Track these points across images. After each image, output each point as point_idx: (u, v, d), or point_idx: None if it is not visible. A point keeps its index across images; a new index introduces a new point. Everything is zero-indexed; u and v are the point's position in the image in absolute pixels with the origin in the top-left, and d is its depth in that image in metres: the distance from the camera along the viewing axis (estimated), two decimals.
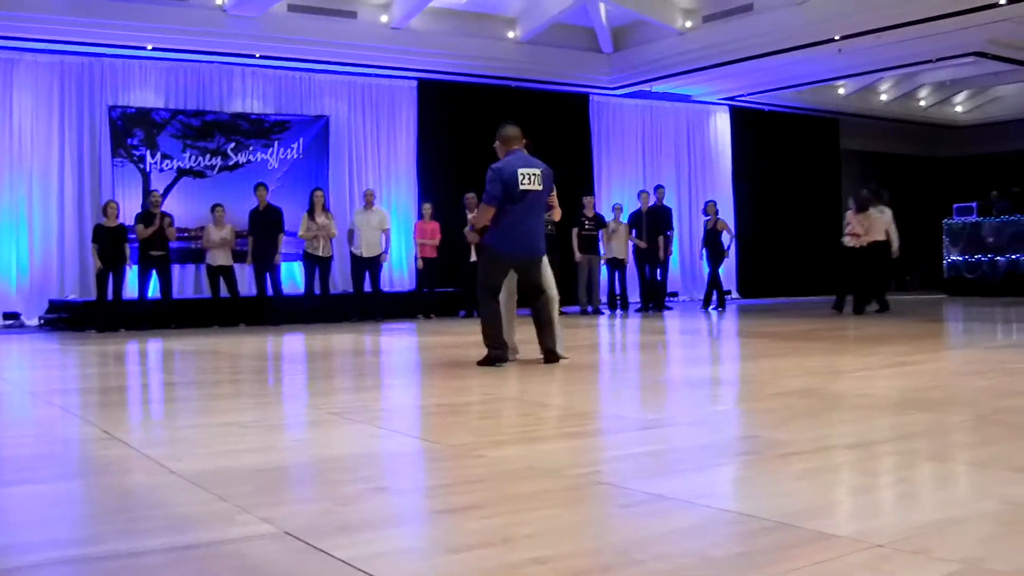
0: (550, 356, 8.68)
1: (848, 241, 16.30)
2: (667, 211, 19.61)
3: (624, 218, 19.49)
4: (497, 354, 8.48)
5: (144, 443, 5.07)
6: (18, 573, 2.85)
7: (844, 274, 16.52)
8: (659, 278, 19.40)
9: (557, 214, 9.59)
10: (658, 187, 19.96)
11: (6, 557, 3.02)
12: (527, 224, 8.52)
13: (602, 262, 19.18)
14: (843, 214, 19.13)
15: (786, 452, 4.31)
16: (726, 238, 19.54)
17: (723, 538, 3.05)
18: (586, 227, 18.78)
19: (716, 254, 19.42)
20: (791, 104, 24.58)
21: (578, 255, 18.65)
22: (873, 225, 16.26)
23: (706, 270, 19.92)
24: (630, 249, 19.44)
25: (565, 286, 18.40)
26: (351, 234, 17.37)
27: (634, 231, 19.31)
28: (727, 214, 21.21)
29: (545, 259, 8.81)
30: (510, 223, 8.43)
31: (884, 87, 25.77)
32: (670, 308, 19.59)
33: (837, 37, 17.75)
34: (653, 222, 19.09)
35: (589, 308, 18.71)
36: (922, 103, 27.13)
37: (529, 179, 8.42)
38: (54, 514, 3.67)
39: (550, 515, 3.35)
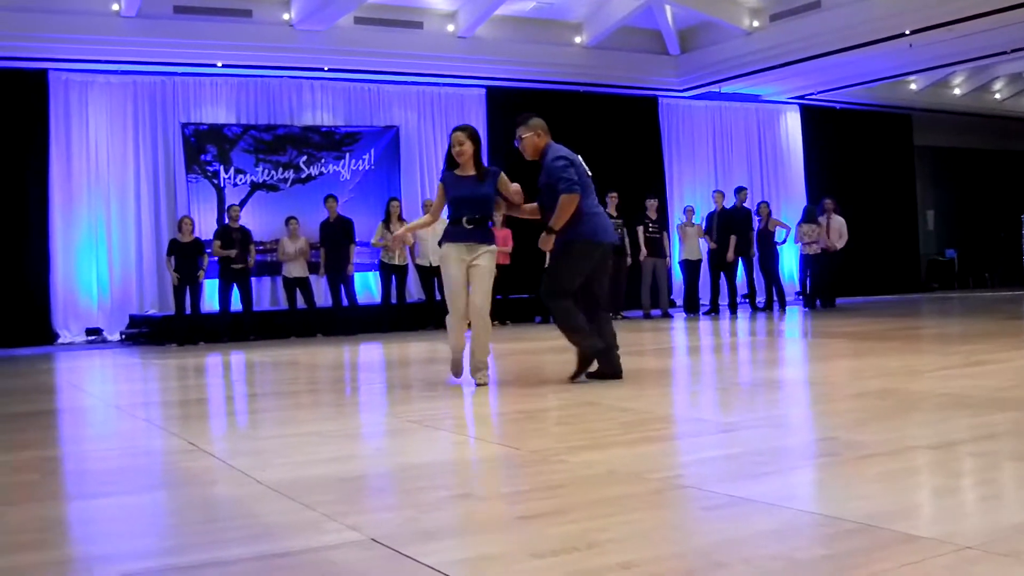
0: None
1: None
2: (744, 213, 19.40)
3: (696, 219, 19.41)
4: (589, 344, 7.73)
5: (229, 454, 5.14)
6: None
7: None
8: (735, 279, 19.28)
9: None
10: (739, 189, 19.78)
11: (96, 568, 3.09)
12: (601, 210, 8.09)
13: (671, 264, 19.08)
14: (919, 212, 19.17)
15: (866, 454, 4.28)
16: (781, 233, 19.43)
17: (807, 540, 3.04)
18: (650, 229, 18.70)
19: (769, 255, 19.32)
20: (862, 101, 24.30)
21: (643, 257, 18.58)
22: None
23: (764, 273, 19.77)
24: (704, 251, 19.34)
25: (630, 289, 18.49)
26: (413, 245, 17.40)
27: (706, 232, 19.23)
28: (799, 214, 20.97)
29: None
30: (593, 210, 7.88)
31: (957, 81, 25.42)
32: (748, 309, 19.45)
33: (907, 31, 17.51)
34: (724, 223, 18.97)
35: (654, 312, 18.62)
36: (997, 96, 26.71)
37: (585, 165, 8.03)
38: (142, 525, 3.75)
39: (633, 519, 3.36)
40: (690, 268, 19.31)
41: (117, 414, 7.52)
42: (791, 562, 2.78)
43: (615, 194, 18.41)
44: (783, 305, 19.30)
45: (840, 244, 19.51)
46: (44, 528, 3.70)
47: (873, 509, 3.29)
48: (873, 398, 6.12)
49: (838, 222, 19.64)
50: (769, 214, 19.60)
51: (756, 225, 19.45)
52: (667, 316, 18.42)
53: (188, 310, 15.98)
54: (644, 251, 18.50)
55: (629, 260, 18.41)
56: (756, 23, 19.46)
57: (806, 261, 19.75)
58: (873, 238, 24.24)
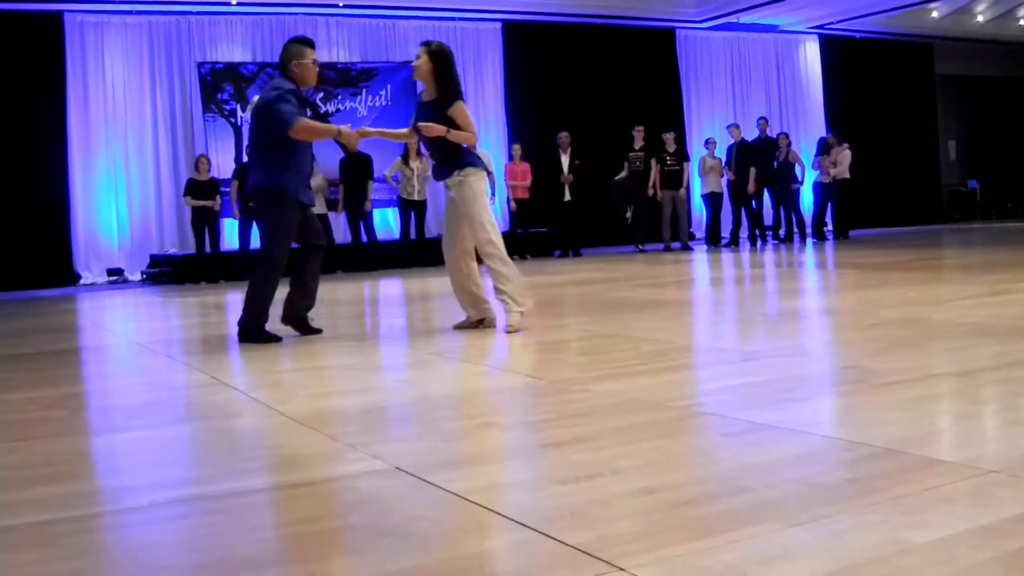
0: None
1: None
2: (767, 144, 19.30)
3: (718, 152, 19.31)
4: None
5: (251, 387, 5.18)
6: (135, 513, 2.94)
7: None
8: (760, 211, 19.24)
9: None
10: (760, 119, 19.72)
11: (123, 498, 3.11)
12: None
13: (690, 197, 19.02)
14: (941, 143, 19.06)
15: (889, 381, 4.27)
16: (799, 171, 19.39)
17: (831, 465, 3.04)
18: (668, 163, 18.63)
19: (787, 187, 19.29)
20: (882, 30, 24.01)
21: (660, 192, 18.55)
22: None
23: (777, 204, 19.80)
24: (724, 183, 19.26)
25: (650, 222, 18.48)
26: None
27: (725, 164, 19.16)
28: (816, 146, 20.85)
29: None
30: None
31: (980, 8, 25.06)
32: (764, 242, 19.40)
33: None
34: (743, 155, 18.89)
35: (674, 244, 18.61)
36: (1022, 22, 26.35)
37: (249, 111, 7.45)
38: (167, 457, 3.77)
39: (656, 446, 3.36)
40: (712, 201, 19.24)
41: (139, 351, 7.57)
42: (814, 485, 2.78)
43: (641, 127, 18.37)
44: (803, 237, 19.27)
45: (834, 174, 19.39)
46: (72, 461, 3.73)
47: (896, 434, 3.29)
48: (895, 327, 6.10)
49: (841, 154, 19.55)
50: (788, 146, 19.49)
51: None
52: (687, 248, 18.38)
53: (207, 248, 16.02)
54: (655, 187, 18.44)
55: (651, 191, 18.38)
56: None
57: (817, 191, 19.76)
58: (894, 169, 24.09)
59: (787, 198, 19.32)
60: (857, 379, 4.44)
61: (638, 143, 18.44)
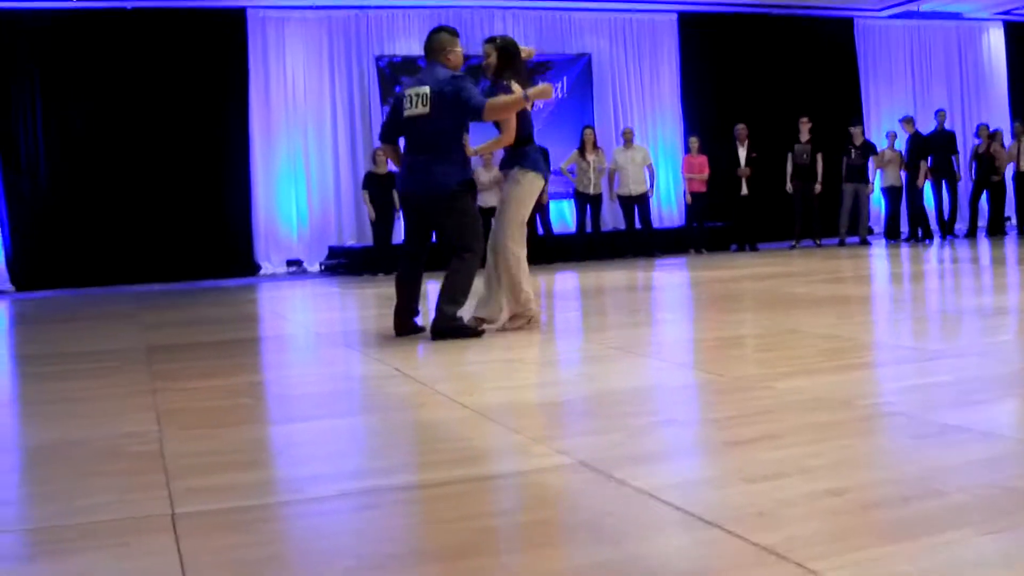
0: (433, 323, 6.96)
1: None
2: (945, 136, 18.80)
3: (899, 145, 18.85)
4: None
5: (434, 379, 5.22)
6: (323, 503, 2.98)
7: None
8: (917, 204, 18.74)
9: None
10: (938, 111, 19.25)
11: (310, 488, 3.16)
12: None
13: (871, 190, 18.60)
14: None
15: None
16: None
17: None
18: (853, 157, 18.25)
19: (985, 179, 18.83)
20: None
21: (845, 184, 18.20)
22: None
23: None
24: (903, 177, 18.79)
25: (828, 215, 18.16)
26: (613, 174, 17.34)
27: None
28: (1005, 138, 20.18)
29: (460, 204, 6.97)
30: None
31: None
32: (930, 238, 18.86)
33: None
34: (917, 149, 18.43)
35: (850, 239, 18.22)
36: None
37: (412, 100, 6.97)
38: (350, 447, 3.83)
39: (844, 445, 3.29)
40: (891, 195, 18.80)
41: (319, 341, 7.71)
42: (1010, 491, 2.68)
43: (806, 119, 18.04)
44: (994, 231, 18.81)
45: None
46: (259, 449, 3.82)
47: None
48: None
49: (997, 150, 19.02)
50: (989, 136, 18.99)
51: (967, 149, 18.93)
52: (865, 243, 17.98)
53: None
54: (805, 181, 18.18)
55: (819, 187, 18.05)
56: None
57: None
58: None
59: (991, 190, 19.00)
60: None
61: (804, 135, 18.11)
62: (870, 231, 19.21)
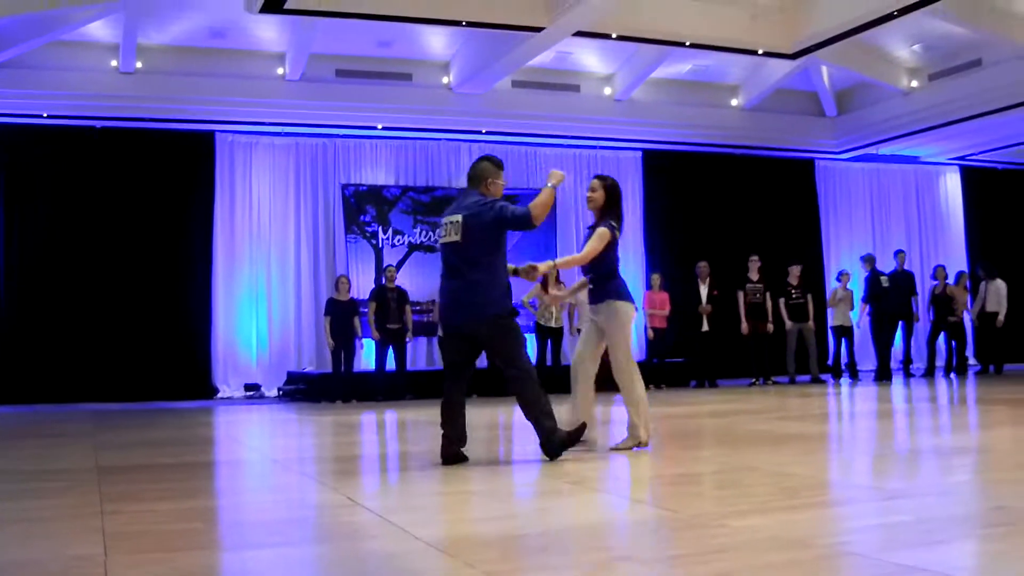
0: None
1: None
2: (902, 276, 19.04)
3: (851, 285, 19.06)
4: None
5: (386, 510, 5.16)
6: None
7: None
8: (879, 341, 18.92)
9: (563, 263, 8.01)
10: (897, 252, 19.53)
11: None
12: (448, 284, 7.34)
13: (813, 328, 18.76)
14: None
15: None
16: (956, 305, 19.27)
17: None
18: (793, 296, 18.43)
19: (942, 320, 19.21)
20: None
21: (788, 323, 18.34)
22: None
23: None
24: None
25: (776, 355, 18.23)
26: (573, 308, 17.37)
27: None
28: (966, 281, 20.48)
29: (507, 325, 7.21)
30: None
31: None
32: (906, 375, 18.99)
33: None
34: (873, 287, 18.67)
35: (800, 377, 18.29)
36: None
37: (447, 228, 7.23)
38: None
39: None
40: (841, 334, 18.97)
41: (275, 467, 7.64)
42: None
43: (756, 257, 18.23)
44: (950, 371, 19.08)
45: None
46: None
47: None
48: None
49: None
50: (946, 278, 19.40)
51: (925, 290, 19.25)
52: (819, 381, 18.02)
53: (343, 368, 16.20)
54: (787, 321, 18.30)
55: (771, 327, 18.19)
56: (915, 83, 19.09)
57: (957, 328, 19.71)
58: None
59: (948, 331, 19.44)
60: (1008, 521, 4.29)
61: (754, 274, 18.28)
62: (827, 369, 19.28)
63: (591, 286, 7.74)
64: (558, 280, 16.66)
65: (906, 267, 19.47)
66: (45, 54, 15.72)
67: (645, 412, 7.51)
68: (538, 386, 7.18)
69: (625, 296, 7.58)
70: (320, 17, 14.45)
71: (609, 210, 7.67)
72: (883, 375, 18.12)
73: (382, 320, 16.27)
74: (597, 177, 7.87)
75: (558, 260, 7.84)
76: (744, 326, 18.09)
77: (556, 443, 6.98)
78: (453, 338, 7.27)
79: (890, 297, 18.49)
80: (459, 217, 7.10)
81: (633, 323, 7.64)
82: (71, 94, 16.16)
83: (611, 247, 7.58)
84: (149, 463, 7.72)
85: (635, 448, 7.40)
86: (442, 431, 7.13)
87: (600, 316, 7.60)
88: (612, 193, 7.71)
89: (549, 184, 7.24)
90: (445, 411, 7.20)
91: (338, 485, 6.10)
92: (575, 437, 7.09)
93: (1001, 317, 19.27)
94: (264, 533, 4.63)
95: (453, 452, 7.03)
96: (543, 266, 7.47)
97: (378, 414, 13.20)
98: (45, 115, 16.39)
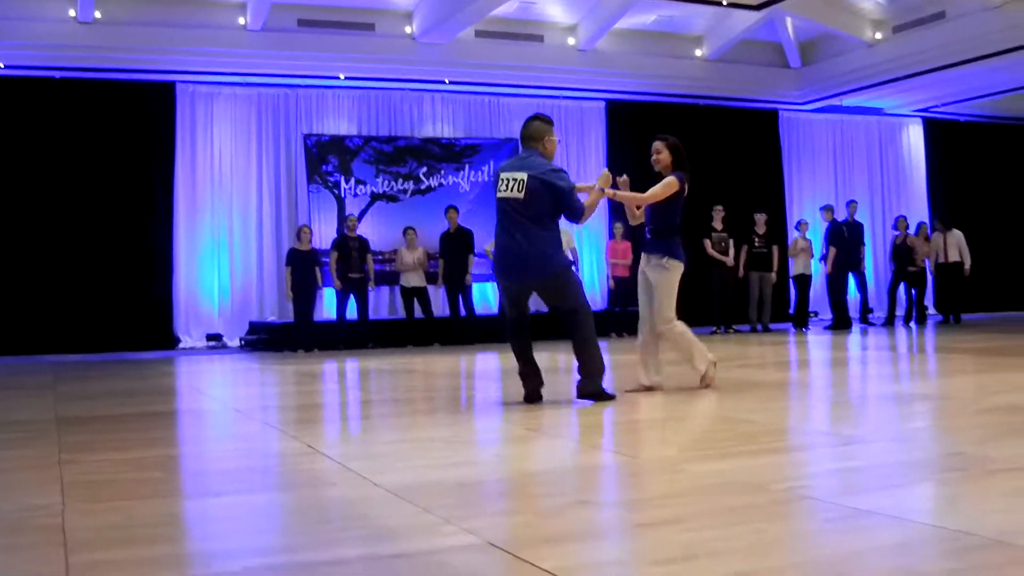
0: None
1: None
2: (854, 227, 19.17)
3: (810, 234, 19.19)
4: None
5: (346, 457, 5.17)
6: None
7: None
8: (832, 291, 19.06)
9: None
10: (849, 202, 19.65)
11: (216, 562, 3.12)
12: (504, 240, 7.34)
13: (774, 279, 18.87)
14: None
15: (996, 469, 4.16)
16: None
17: (935, 554, 2.96)
18: (756, 244, 18.52)
19: (902, 270, 19.41)
20: (988, 114, 23.68)
21: (749, 272, 18.47)
22: None
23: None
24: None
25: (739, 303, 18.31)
26: None
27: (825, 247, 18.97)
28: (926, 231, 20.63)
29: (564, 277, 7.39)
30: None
31: None
32: (865, 325, 19.13)
33: None
34: (831, 237, 18.79)
35: (759, 327, 18.44)
36: None
37: (508, 183, 7.21)
38: (261, 523, 3.78)
39: (754, 529, 3.29)
40: (801, 283, 19.09)
41: (236, 417, 7.63)
42: (916, 575, 2.70)
43: (720, 207, 18.27)
44: (909, 320, 19.28)
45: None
46: (167, 523, 3.76)
47: (1007, 525, 3.18)
48: (1001, 414, 5.96)
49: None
50: (907, 228, 19.57)
51: (887, 240, 19.35)
52: (767, 330, 18.17)
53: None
54: (741, 270, 18.44)
55: (741, 273, 18.29)
56: (879, 35, 19.12)
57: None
58: (999, 254, 23.59)
59: (908, 280, 19.68)
60: (962, 466, 4.34)
61: (718, 224, 18.32)
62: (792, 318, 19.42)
63: (649, 236, 7.89)
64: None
65: (861, 218, 19.60)
66: (2, 4, 15.46)
67: (703, 350, 7.90)
68: (595, 341, 7.35)
69: (679, 256, 7.80)
70: None
71: (676, 168, 7.86)
72: (841, 323, 18.27)
73: (344, 269, 16.25)
74: (658, 138, 8.05)
75: (618, 192, 7.82)
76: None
77: (590, 388, 7.19)
78: (518, 292, 7.54)
79: (847, 246, 18.66)
80: (524, 176, 7.14)
81: (677, 284, 7.83)
82: (29, 43, 15.89)
83: (676, 198, 7.80)
84: (109, 413, 7.70)
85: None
86: (521, 373, 7.43)
87: (651, 268, 7.82)
88: (677, 151, 7.91)
89: (597, 186, 7.43)
90: (518, 357, 7.48)
91: (299, 433, 6.10)
92: (605, 396, 7.21)
93: (967, 266, 19.41)
94: (224, 481, 4.63)
95: (535, 391, 7.31)
96: (602, 181, 7.50)
97: (339, 363, 13.20)
98: (2, 65, 16.17)
